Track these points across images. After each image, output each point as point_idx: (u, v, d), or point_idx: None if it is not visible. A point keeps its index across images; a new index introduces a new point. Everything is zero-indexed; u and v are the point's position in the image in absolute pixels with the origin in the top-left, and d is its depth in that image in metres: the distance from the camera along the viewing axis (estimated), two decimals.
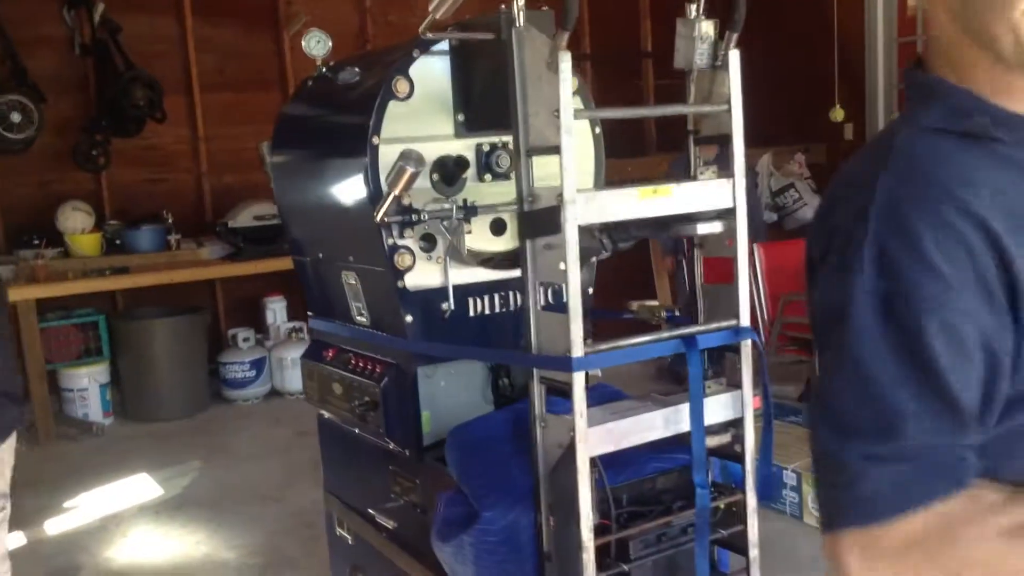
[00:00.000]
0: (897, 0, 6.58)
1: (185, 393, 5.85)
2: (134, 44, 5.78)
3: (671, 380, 5.20)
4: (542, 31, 1.67)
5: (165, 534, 4.07)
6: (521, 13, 1.66)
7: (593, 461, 1.71)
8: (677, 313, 1.99)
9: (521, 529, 1.81)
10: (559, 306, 1.71)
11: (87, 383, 5.64)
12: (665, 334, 1.78)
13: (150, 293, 5.81)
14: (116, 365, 5.82)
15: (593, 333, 1.85)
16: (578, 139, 2.17)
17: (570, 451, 1.68)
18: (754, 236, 5.01)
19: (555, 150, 1.62)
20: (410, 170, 1.86)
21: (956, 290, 0.87)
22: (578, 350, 1.64)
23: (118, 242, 5.76)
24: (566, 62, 1.58)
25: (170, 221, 5.87)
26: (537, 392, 1.76)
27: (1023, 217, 0.89)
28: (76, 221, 5.60)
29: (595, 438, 1.69)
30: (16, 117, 5.22)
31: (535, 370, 1.75)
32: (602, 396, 1.95)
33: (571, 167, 1.61)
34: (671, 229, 1.83)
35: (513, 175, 1.82)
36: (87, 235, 5.62)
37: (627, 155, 6.93)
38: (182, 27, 6.11)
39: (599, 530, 1.75)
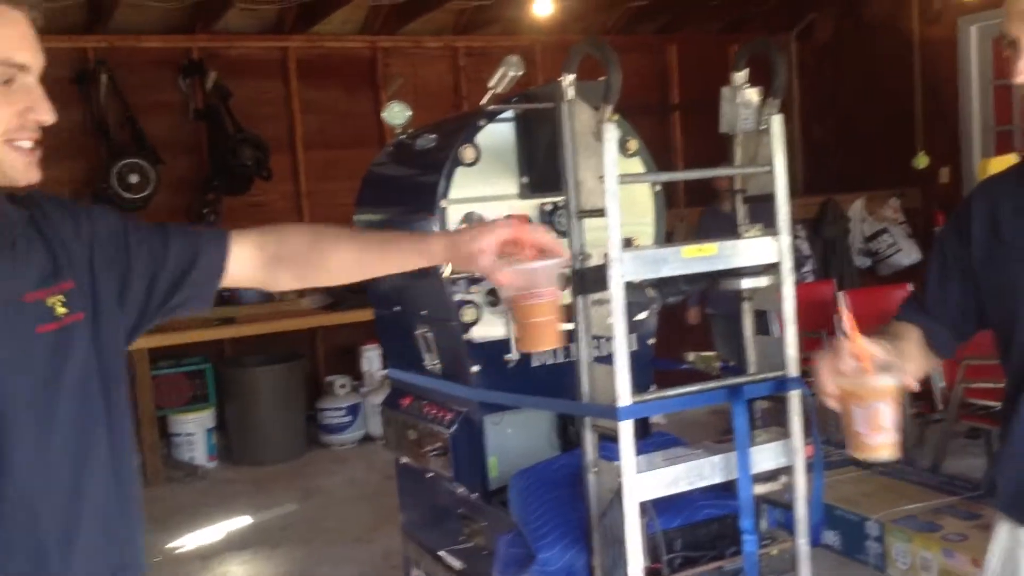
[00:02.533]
0: (992, 43, 6.48)
1: (285, 438, 6.10)
2: (243, 107, 6.17)
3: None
4: (592, 102, 1.80)
5: (261, 571, 4.27)
6: (571, 87, 1.79)
7: (643, 506, 1.79)
8: (731, 364, 2.07)
9: (577, 571, 1.90)
10: (609, 358, 1.81)
11: (194, 428, 5.95)
12: (711, 384, 1.86)
13: (254, 341, 6.12)
14: (222, 410, 6.13)
15: (655, 382, 1.94)
16: (638, 196, 2.29)
17: (619, 496, 1.77)
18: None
19: (602, 212, 1.73)
20: None
21: None
22: (625, 400, 1.74)
23: (226, 293, 6.10)
24: (610, 132, 1.70)
25: None
26: (589, 439, 1.86)
27: None
28: None
29: (643, 484, 1.78)
30: (134, 178, 5.64)
31: (587, 418, 1.85)
32: (659, 443, 2.03)
33: (616, 228, 1.72)
34: (719, 283, 1.92)
35: None
36: None
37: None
38: (287, 90, 6.49)
39: (651, 573, 1.82)
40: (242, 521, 4.94)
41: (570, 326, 1.42)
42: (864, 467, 4.41)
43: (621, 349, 1.73)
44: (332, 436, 6.22)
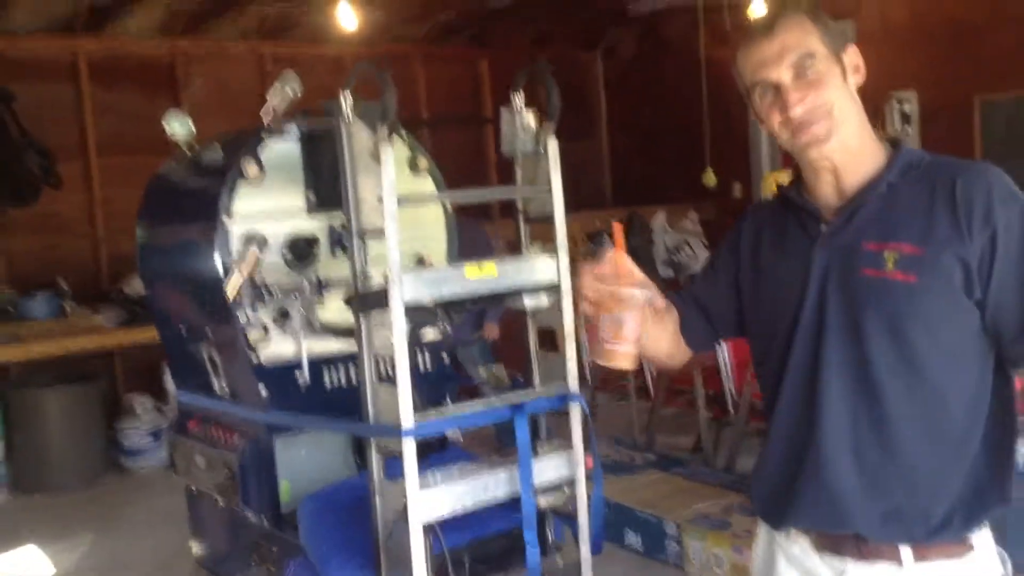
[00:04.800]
0: None
1: (81, 463, 5.73)
2: (29, 111, 5.76)
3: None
4: (372, 122, 1.79)
5: None
6: (348, 107, 1.78)
7: (429, 526, 1.80)
8: (522, 380, 2.11)
9: None
10: (392, 377, 1.81)
11: None
12: (495, 400, 1.89)
13: (46, 363, 5.72)
14: (10, 437, 5.68)
15: (458, 397, 1.94)
16: (428, 214, 2.31)
17: (404, 515, 1.77)
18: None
19: (382, 233, 1.73)
20: (254, 252, 1.96)
21: None
22: (407, 420, 1.74)
23: (11, 310, 5.68)
24: (387, 153, 1.70)
25: (66, 288, 5.80)
26: (375, 460, 1.85)
27: None
28: None
29: (428, 502, 1.78)
30: None
31: (372, 440, 1.84)
32: (449, 459, 2.04)
33: (395, 249, 1.72)
34: (503, 302, 1.95)
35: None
36: None
37: (584, 207, 7.08)
38: (79, 93, 6.12)
39: None
40: (31, 553, 4.60)
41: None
42: (663, 469, 4.63)
43: (403, 368, 1.73)
44: (133, 459, 5.89)
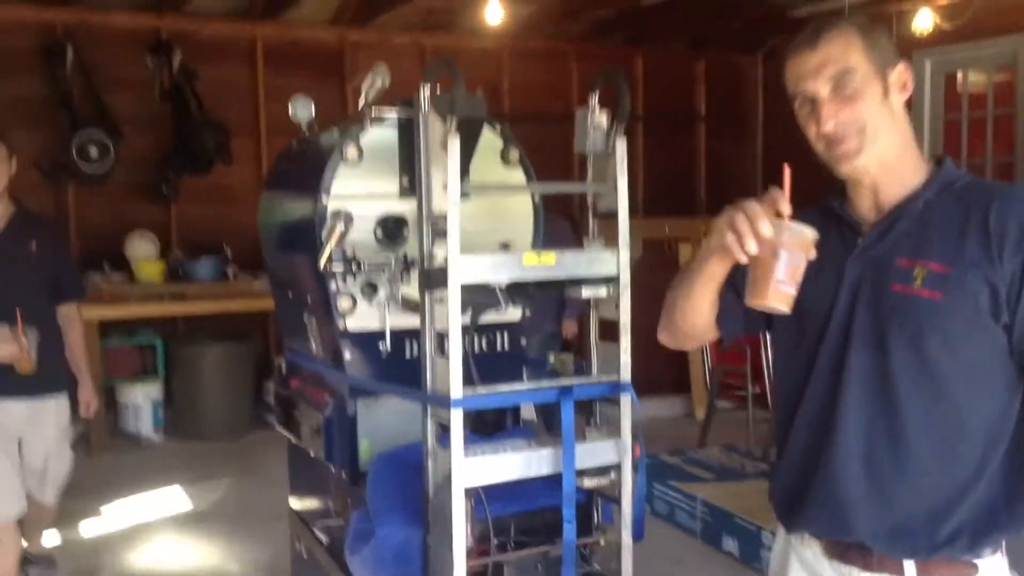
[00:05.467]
0: (944, 77, 6.64)
1: (231, 416, 6.24)
2: (209, 89, 6.29)
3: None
4: (442, 112, 1.93)
5: (184, 543, 4.41)
6: (426, 100, 1.93)
7: (473, 491, 1.93)
8: (585, 366, 2.21)
9: (411, 547, 2.04)
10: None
11: (141, 400, 6.08)
12: (545, 383, 2.00)
13: (208, 321, 6.25)
14: (170, 386, 6.26)
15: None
16: (516, 204, 2.44)
17: (448, 480, 1.91)
18: None
19: (446, 219, 1.87)
20: (339, 228, 2.15)
21: None
22: (456, 391, 1.88)
23: (180, 271, 6.23)
24: (454, 144, 1.84)
25: (229, 254, 6.32)
26: (430, 427, 2.00)
27: None
28: (142, 249, 6.10)
29: (471, 469, 1.91)
30: (94, 151, 5.76)
31: (428, 407, 1.99)
32: (508, 436, 2.17)
33: (456, 233, 1.86)
34: (565, 291, 2.06)
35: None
36: (151, 262, 6.11)
37: (673, 214, 7.13)
38: (254, 76, 6.62)
39: (480, 554, 1.96)
40: (175, 492, 5.08)
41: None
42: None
43: (456, 344, 1.87)
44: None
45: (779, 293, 1.43)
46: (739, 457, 5.08)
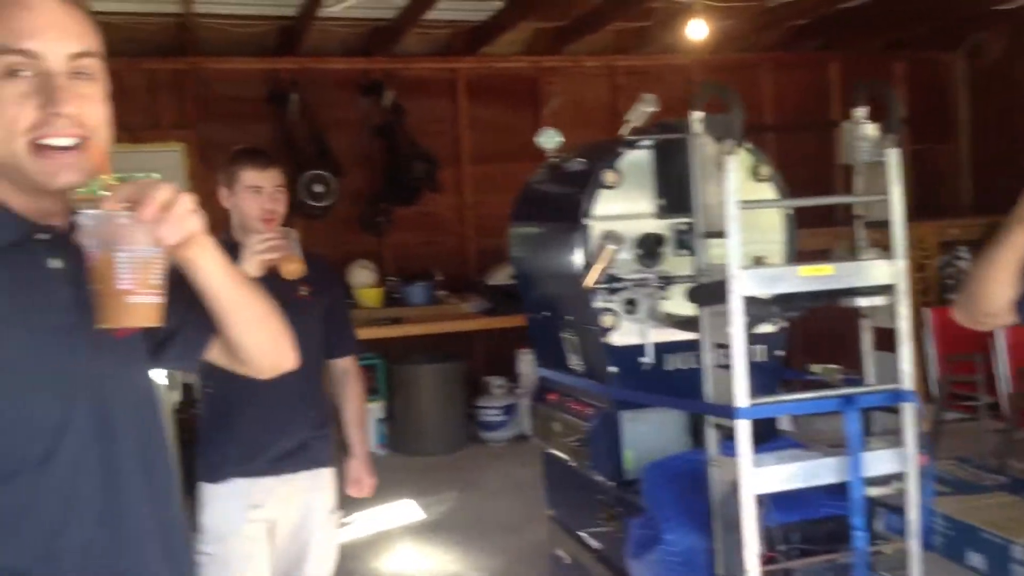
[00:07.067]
0: None
1: (446, 432, 6.53)
2: (416, 124, 6.65)
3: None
4: (718, 135, 2.02)
5: (423, 552, 4.67)
6: (698, 122, 2.03)
7: (759, 499, 2.00)
8: (853, 377, 2.23)
9: (698, 553, 2.12)
10: (727, 364, 2.02)
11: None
12: (827, 392, 2.04)
13: (419, 341, 6.58)
14: (390, 403, 6.62)
15: (784, 390, 2.13)
16: (767, 218, 2.49)
17: (736, 488, 1.98)
18: None
19: (723, 234, 1.96)
20: (611, 248, 2.27)
21: None
22: (742, 401, 1.95)
23: (395, 296, 6.60)
24: (731, 164, 1.92)
25: (438, 279, 6.64)
26: (712, 436, 2.08)
27: None
28: (362, 277, 6.50)
29: (759, 477, 1.98)
30: (318, 188, 6.20)
31: (709, 417, 2.07)
32: (781, 446, 2.22)
33: (736, 248, 1.94)
34: (836, 302, 2.09)
35: None
36: (371, 289, 6.51)
37: (815, 224, 6.88)
38: (456, 108, 6.94)
39: (767, 561, 2.02)
40: (407, 504, 5.38)
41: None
42: (1015, 492, 4.36)
43: (739, 355, 1.94)
44: (488, 433, 6.59)
45: None
46: (974, 469, 4.86)
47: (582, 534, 2.71)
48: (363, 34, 6.54)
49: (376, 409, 6.50)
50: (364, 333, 6.23)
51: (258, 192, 2.51)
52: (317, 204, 6.25)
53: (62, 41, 1.12)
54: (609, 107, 7.17)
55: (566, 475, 2.81)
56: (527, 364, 6.76)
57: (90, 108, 1.13)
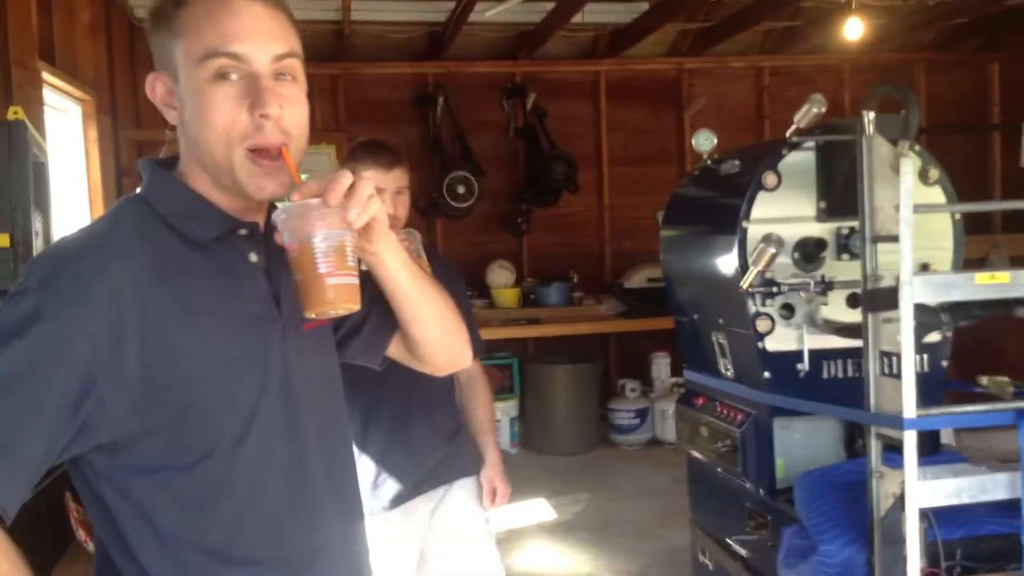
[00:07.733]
0: None
1: (579, 432, 6.55)
2: (557, 126, 6.70)
3: None
4: (890, 133, 1.97)
5: (556, 551, 4.70)
6: (870, 123, 1.98)
7: (923, 513, 1.93)
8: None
9: (855, 565, 2.07)
10: (896, 372, 1.97)
11: (500, 416, 6.55)
12: (1000, 405, 1.95)
13: (554, 342, 6.63)
14: (524, 402, 6.70)
15: (948, 403, 2.06)
16: (936, 223, 2.41)
17: (900, 501, 1.92)
18: None
19: (895, 239, 1.90)
20: (771, 251, 2.24)
21: None
22: (910, 411, 1.89)
23: (532, 296, 6.67)
24: (907, 166, 1.87)
25: (575, 280, 6.67)
26: (874, 446, 2.02)
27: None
28: (501, 277, 6.60)
29: (925, 491, 1.92)
30: (461, 189, 6.33)
31: (872, 427, 2.02)
32: (946, 459, 2.14)
33: (909, 253, 1.88)
34: (1013, 310, 2.00)
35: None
36: (508, 289, 6.59)
37: (970, 231, 6.52)
38: (597, 110, 6.96)
39: None
40: (540, 503, 5.43)
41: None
42: None
43: (908, 364, 1.88)
44: (620, 436, 6.58)
45: None
46: None
47: (729, 540, 2.68)
48: (509, 38, 6.64)
49: (510, 408, 6.58)
50: (501, 333, 6.36)
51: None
52: (459, 205, 6.38)
53: (267, 43, 1.17)
54: (754, 108, 7.04)
55: (712, 480, 2.78)
56: (661, 368, 6.71)
57: (292, 110, 1.19)
